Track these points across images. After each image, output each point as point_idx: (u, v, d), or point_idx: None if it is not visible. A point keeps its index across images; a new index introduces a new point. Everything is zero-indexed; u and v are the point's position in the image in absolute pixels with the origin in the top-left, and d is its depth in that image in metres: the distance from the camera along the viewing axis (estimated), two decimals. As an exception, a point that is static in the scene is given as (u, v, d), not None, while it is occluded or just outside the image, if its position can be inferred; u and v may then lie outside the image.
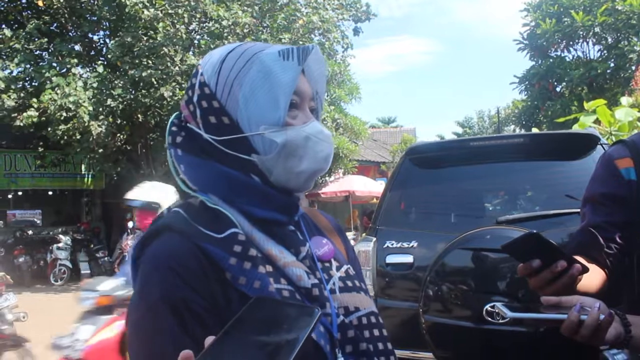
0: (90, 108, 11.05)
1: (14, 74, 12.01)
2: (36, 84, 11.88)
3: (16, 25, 12.84)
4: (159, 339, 0.79)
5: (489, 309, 2.65)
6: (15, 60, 11.46)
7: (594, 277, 1.39)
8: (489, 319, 2.65)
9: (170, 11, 11.08)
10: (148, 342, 0.81)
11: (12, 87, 11.58)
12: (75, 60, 11.96)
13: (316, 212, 1.11)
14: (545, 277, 1.18)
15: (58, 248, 13.02)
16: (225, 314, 0.79)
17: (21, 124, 11.35)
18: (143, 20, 11.04)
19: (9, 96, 11.34)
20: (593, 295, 1.24)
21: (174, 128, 0.94)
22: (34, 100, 11.26)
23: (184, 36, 11.36)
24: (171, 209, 0.93)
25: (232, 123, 0.89)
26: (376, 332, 0.93)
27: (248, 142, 0.89)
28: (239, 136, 0.89)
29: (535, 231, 1.16)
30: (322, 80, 1.00)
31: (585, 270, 1.19)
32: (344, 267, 0.99)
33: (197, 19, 11.79)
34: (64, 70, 11.81)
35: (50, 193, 16.19)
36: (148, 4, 10.97)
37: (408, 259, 3.22)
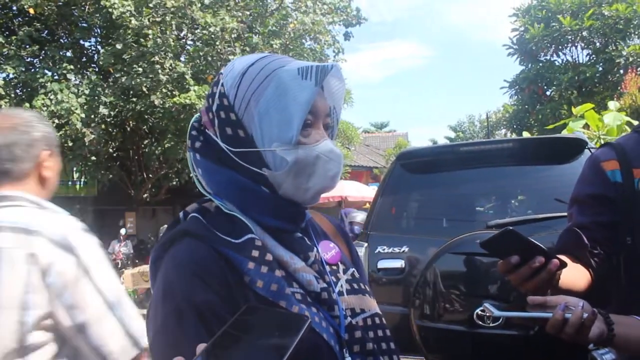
0: (83, 115, 11.02)
1: (8, 78, 11.99)
2: (29, 89, 11.84)
3: (7, 32, 12.80)
4: (184, 341, 0.80)
5: (480, 312, 2.67)
6: (10, 64, 11.44)
7: (579, 277, 1.41)
8: (480, 322, 2.68)
9: (157, 19, 11.06)
10: (172, 343, 0.82)
11: (10, 93, 11.52)
12: (71, 67, 11.93)
13: (321, 216, 1.15)
14: (524, 273, 1.20)
15: (50, 256, 12.89)
16: None
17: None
18: (131, 29, 11.03)
19: (5, 103, 11.29)
20: (579, 294, 1.27)
21: (193, 132, 0.97)
22: (26, 105, 11.22)
23: (172, 44, 11.36)
24: (188, 213, 0.96)
25: (247, 137, 0.92)
26: (380, 333, 0.98)
27: (260, 157, 0.92)
28: (252, 150, 0.92)
29: (511, 227, 1.18)
30: (340, 97, 1.02)
31: (563, 265, 1.21)
32: (350, 270, 1.03)
33: (187, 26, 11.80)
34: (56, 76, 11.78)
35: (41, 200, 16.07)
36: (135, 13, 10.95)
37: (399, 264, 3.24)
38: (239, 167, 0.93)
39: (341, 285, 0.98)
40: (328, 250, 1.02)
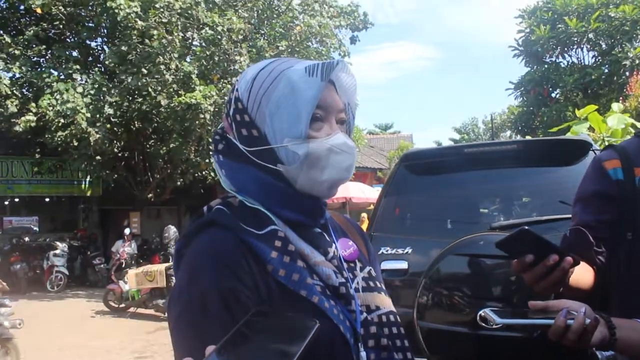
0: (88, 115, 11.05)
1: (15, 78, 12.05)
2: (35, 89, 11.90)
3: (14, 32, 12.87)
4: (207, 326, 0.83)
5: (483, 314, 2.67)
6: (17, 63, 11.50)
7: (585, 275, 1.42)
8: (483, 324, 2.67)
9: (163, 20, 11.06)
10: (195, 328, 0.84)
11: (16, 92, 11.56)
12: (78, 67, 11.97)
13: (340, 216, 1.19)
14: (538, 272, 1.21)
15: (55, 255, 12.96)
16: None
17: (20, 129, 11.34)
18: (137, 30, 11.04)
19: (12, 102, 11.34)
20: (586, 292, 1.27)
21: (217, 137, 1.03)
22: (33, 105, 11.27)
23: (179, 44, 11.37)
24: (212, 207, 0.99)
25: (261, 135, 0.97)
26: (395, 330, 1.00)
27: (274, 153, 0.97)
28: (266, 148, 0.97)
29: (527, 227, 1.19)
30: (353, 92, 1.06)
31: (576, 262, 1.22)
32: (367, 268, 1.06)
33: (193, 26, 11.80)
34: (63, 76, 11.82)
35: (47, 200, 16.16)
36: (141, 14, 10.96)
37: (403, 265, 3.23)
38: (257, 165, 0.97)
39: (357, 282, 1.01)
40: (346, 248, 1.05)
